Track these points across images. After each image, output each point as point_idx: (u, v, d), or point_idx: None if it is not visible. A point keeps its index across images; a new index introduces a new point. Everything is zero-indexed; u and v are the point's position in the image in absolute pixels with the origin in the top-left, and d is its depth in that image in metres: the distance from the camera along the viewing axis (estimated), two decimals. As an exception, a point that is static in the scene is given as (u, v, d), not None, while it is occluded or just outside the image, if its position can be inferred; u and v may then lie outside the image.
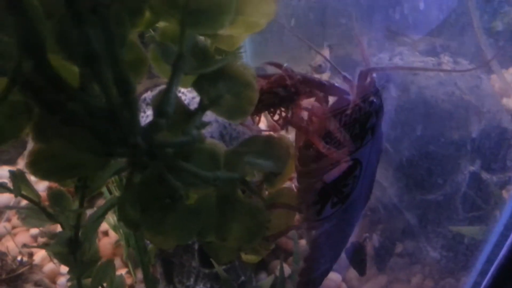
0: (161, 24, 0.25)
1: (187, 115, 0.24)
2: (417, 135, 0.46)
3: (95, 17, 0.18)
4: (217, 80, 0.24)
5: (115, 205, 0.31)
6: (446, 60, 0.49)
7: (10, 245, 0.62)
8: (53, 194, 0.29)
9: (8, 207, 0.66)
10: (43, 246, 0.31)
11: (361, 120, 0.31)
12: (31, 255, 0.58)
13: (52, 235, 0.33)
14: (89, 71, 0.18)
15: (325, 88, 0.29)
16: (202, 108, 0.23)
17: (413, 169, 0.47)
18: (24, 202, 0.69)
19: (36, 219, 0.36)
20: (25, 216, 0.37)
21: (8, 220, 0.67)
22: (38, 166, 0.21)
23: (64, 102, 0.18)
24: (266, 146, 0.26)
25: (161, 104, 0.20)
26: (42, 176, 0.22)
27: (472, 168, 0.45)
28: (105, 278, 0.33)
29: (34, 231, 0.65)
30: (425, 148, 0.45)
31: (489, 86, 0.51)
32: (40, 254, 0.61)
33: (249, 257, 0.31)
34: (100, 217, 0.30)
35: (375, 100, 0.31)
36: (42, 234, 0.58)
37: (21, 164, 0.73)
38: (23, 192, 0.35)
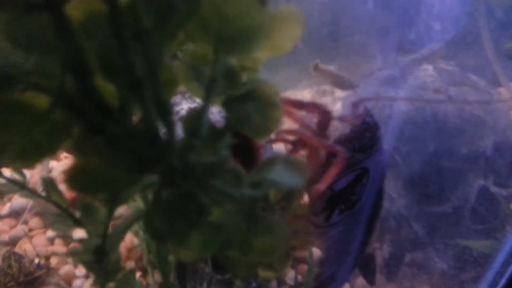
0: (190, 45, 0.27)
1: (214, 134, 0.25)
2: (427, 148, 0.47)
3: (137, 43, 0.19)
4: (245, 100, 0.25)
5: (141, 217, 0.32)
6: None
7: (27, 248, 0.64)
8: (85, 205, 0.30)
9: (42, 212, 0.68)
10: (71, 255, 0.33)
11: (368, 133, 0.34)
12: (48, 258, 0.60)
13: (79, 242, 0.34)
14: (131, 95, 0.19)
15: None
16: (229, 127, 0.25)
17: (422, 181, 0.48)
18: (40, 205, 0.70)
19: (63, 224, 0.38)
20: (52, 221, 0.39)
21: (25, 222, 0.69)
22: (76, 181, 0.23)
23: (106, 123, 0.20)
24: (287, 165, 0.28)
25: (195, 126, 0.21)
26: (79, 190, 0.23)
27: (481, 182, 0.46)
28: (127, 286, 0.35)
29: (51, 234, 0.67)
30: (434, 161, 0.46)
31: (499, 101, 0.52)
32: (56, 257, 0.63)
33: (266, 274, 0.33)
34: (126, 228, 0.31)
35: (370, 121, 0.35)
36: (66, 240, 0.60)
37: (38, 167, 0.74)
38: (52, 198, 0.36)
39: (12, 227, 0.69)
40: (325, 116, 0.35)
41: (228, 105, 0.25)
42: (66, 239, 0.67)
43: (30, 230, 0.68)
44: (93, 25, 0.20)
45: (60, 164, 0.79)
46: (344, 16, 0.60)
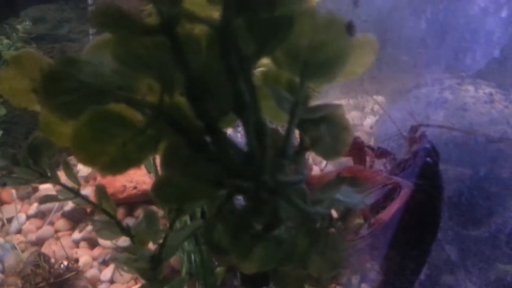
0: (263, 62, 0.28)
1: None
2: (465, 171, 0.47)
3: (242, 69, 0.20)
4: (319, 123, 0.26)
5: (200, 229, 0.33)
6: (498, 98, 0.50)
7: (55, 249, 0.64)
8: (148, 214, 0.31)
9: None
10: (123, 262, 0.33)
11: (429, 159, 0.35)
12: (76, 260, 0.60)
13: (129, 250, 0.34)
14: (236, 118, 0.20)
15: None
16: (305, 148, 0.26)
17: (459, 204, 0.48)
18: (68, 206, 0.71)
19: (110, 232, 0.38)
20: (100, 228, 0.39)
21: (51, 223, 0.70)
22: (162, 192, 0.24)
23: (207, 141, 0.21)
24: (351, 185, 0.28)
25: (283, 147, 0.22)
26: (164, 201, 0.24)
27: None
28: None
29: (77, 236, 0.67)
30: (472, 184, 0.47)
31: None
32: (82, 260, 0.63)
33: (312, 289, 0.33)
34: (185, 238, 0.32)
35: (428, 146, 0.35)
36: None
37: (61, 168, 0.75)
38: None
39: (38, 228, 0.70)
40: (358, 145, 0.37)
41: (303, 126, 0.26)
42: (92, 242, 0.68)
43: (56, 231, 0.69)
44: (192, 50, 0.21)
45: (85, 167, 0.80)
46: (391, 35, 0.61)
